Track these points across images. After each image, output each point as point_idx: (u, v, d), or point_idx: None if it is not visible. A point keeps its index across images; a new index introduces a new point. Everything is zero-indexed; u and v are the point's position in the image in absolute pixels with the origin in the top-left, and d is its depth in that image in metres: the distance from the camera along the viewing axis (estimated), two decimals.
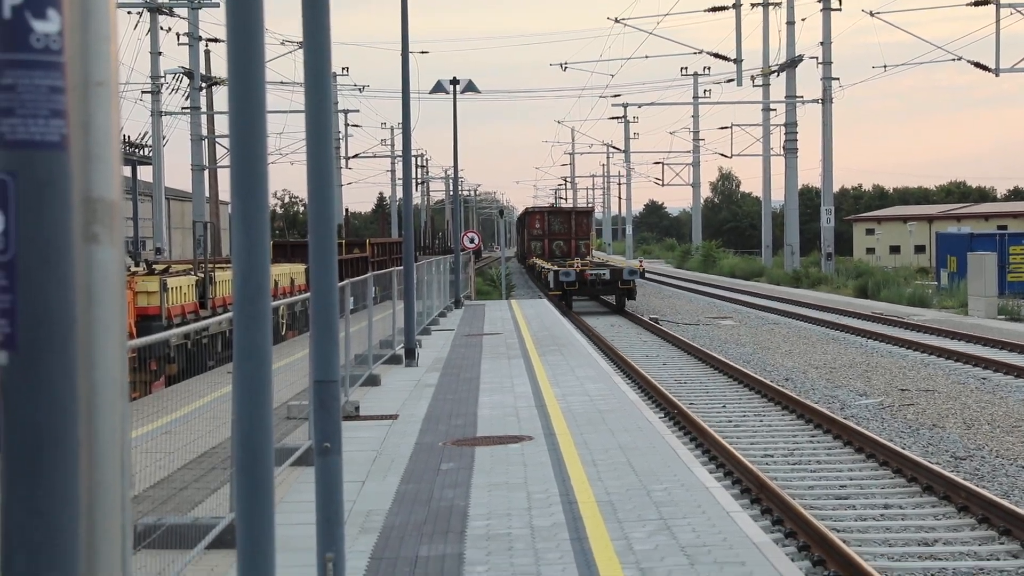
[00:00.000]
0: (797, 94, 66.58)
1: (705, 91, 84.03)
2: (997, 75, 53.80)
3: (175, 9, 49.77)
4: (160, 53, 50.40)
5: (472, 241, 51.98)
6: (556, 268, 45.50)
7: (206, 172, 54.37)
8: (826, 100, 62.90)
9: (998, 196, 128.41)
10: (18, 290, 1.80)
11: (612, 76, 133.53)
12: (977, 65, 54.04)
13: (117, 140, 1.93)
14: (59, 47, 1.82)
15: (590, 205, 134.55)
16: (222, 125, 54.23)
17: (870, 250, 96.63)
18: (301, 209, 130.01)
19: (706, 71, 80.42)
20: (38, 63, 1.81)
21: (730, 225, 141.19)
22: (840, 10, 61.46)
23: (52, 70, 1.82)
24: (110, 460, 1.91)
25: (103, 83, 1.89)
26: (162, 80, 50.83)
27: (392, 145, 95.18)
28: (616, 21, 66.32)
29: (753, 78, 68.73)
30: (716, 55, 66.09)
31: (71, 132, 1.85)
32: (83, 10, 1.85)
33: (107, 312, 1.90)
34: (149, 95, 50.41)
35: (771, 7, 69.45)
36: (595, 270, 44.13)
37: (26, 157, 1.81)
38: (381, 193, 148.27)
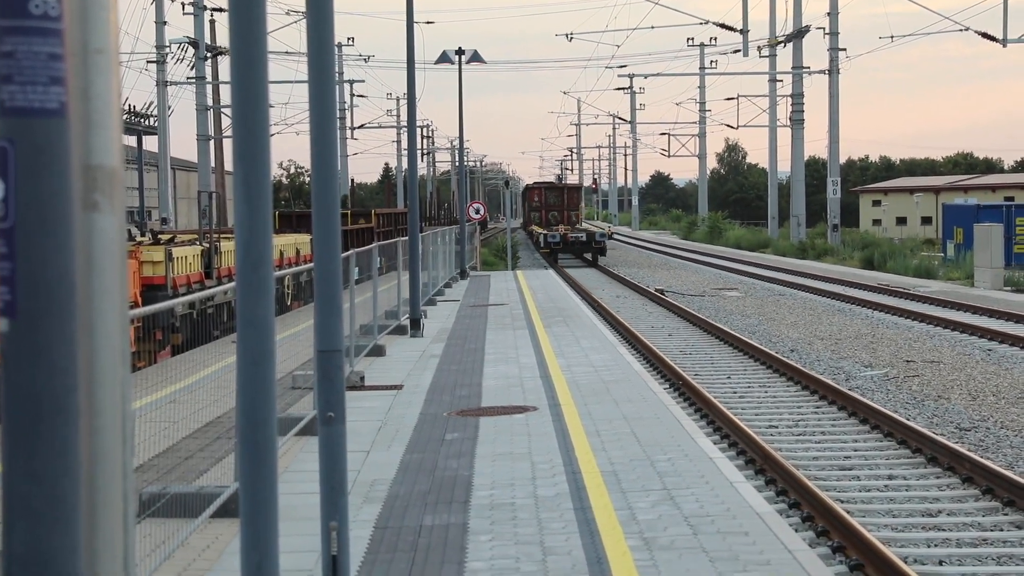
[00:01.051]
0: (804, 65, 66.23)
1: (711, 62, 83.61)
2: (1005, 45, 53.60)
3: None
4: (165, 22, 50.31)
5: (478, 212, 52.06)
6: (546, 232, 58.39)
7: (211, 142, 54.33)
8: (833, 71, 62.66)
9: (1005, 167, 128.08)
10: (18, 257, 1.80)
11: (618, 47, 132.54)
12: (984, 35, 53.82)
13: (118, 107, 1.92)
14: (58, 14, 1.82)
15: (593, 180, 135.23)
16: (228, 95, 54.15)
17: (876, 221, 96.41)
18: (307, 179, 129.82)
19: (712, 42, 79.80)
20: (37, 30, 1.80)
21: (736, 196, 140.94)
22: None
23: (51, 37, 1.81)
24: (111, 428, 1.91)
25: (102, 50, 1.88)
26: (167, 50, 50.74)
27: (398, 115, 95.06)
28: None
29: (760, 49, 68.43)
30: (723, 25, 65.69)
31: (70, 99, 1.84)
32: None
33: (107, 280, 1.90)
34: (154, 65, 50.34)
35: None
36: (575, 233, 57.80)
37: (25, 124, 1.80)
38: (387, 164, 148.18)
